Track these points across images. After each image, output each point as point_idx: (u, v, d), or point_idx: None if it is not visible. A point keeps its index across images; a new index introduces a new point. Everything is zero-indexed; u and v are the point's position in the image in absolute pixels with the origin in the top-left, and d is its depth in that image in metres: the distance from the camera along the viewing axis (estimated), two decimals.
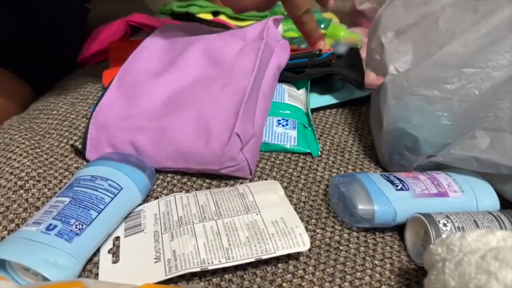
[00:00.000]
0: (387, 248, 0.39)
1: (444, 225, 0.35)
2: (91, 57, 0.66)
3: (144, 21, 0.67)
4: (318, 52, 0.52)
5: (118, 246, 0.36)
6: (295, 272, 0.35)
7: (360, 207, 0.38)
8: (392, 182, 0.40)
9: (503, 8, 0.38)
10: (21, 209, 0.39)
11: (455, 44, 0.39)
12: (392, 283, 0.35)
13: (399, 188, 0.39)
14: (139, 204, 0.40)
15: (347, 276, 0.35)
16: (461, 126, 0.40)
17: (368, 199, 0.38)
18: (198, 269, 0.32)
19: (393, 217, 0.38)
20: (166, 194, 0.42)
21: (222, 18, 0.82)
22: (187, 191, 0.42)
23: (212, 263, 0.32)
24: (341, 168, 0.47)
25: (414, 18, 0.44)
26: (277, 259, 0.36)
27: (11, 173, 0.42)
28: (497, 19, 0.38)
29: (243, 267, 0.35)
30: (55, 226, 0.32)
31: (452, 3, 0.42)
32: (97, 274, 0.34)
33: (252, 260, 0.33)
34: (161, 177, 0.44)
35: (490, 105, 0.39)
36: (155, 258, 0.34)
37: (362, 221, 0.38)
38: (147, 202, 0.41)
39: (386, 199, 0.38)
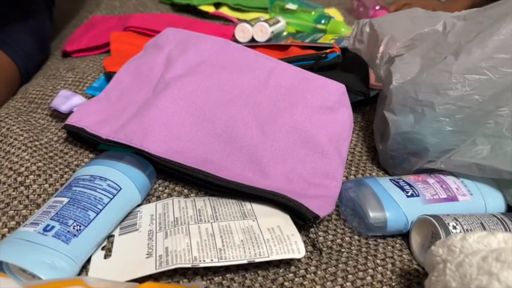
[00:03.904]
0: (389, 247, 0.39)
1: (454, 227, 0.35)
2: (81, 50, 0.65)
3: (145, 26, 0.65)
4: (324, 55, 0.52)
5: (112, 243, 0.36)
6: (297, 272, 0.35)
7: (372, 216, 0.38)
8: (402, 188, 0.40)
9: (506, 18, 0.39)
10: (21, 206, 0.38)
11: (460, 52, 0.40)
12: (393, 284, 0.36)
13: (409, 194, 0.39)
14: (139, 205, 0.39)
15: (349, 276, 0.35)
16: (463, 132, 0.41)
17: (380, 208, 0.38)
18: (189, 265, 0.32)
19: (405, 224, 0.38)
20: (168, 194, 0.42)
21: (224, 10, 0.81)
22: (186, 196, 0.42)
23: (204, 261, 0.32)
24: (344, 170, 0.46)
25: (422, 30, 0.45)
26: (279, 259, 0.35)
27: (10, 168, 0.41)
28: (502, 28, 0.39)
29: (245, 266, 0.35)
30: (53, 227, 0.32)
31: (461, 19, 0.43)
32: (87, 269, 0.34)
33: (245, 261, 0.33)
34: (162, 176, 0.43)
35: (491, 112, 0.40)
36: (147, 254, 0.34)
37: (374, 229, 0.38)
38: (148, 202, 0.40)
39: (397, 206, 0.38)
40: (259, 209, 0.38)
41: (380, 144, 0.47)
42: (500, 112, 0.40)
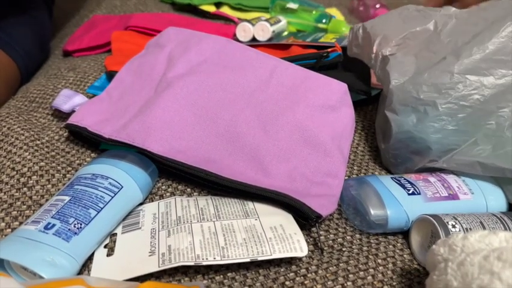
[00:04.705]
0: (390, 246, 0.39)
1: (453, 226, 0.36)
2: (82, 50, 0.65)
3: (146, 25, 0.66)
4: (325, 54, 0.52)
5: (114, 242, 0.36)
6: (298, 271, 0.35)
7: (373, 213, 0.38)
8: (403, 186, 0.40)
9: (505, 20, 0.40)
10: (24, 207, 0.38)
11: (460, 52, 0.41)
12: (394, 283, 0.36)
13: (410, 192, 0.39)
14: (141, 204, 0.39)
15: (350, 275, 0.35)
16: (465, 131, 0.41)
17: (381, 205, 0.38)
18: (192, 263, 0.32)
19: (406, 222, 0.39)
20: (171, 193, 0.42)
21: (225, 10, 0.81)
22: (189, 195, 0.42)
23: (206, 259, 0.32)
24: (346, 169, 0.46)
25: (413, 29, 0.45)
26: (280, 259, 0.36)
27: (13, 169, 0.41)
28: (502, 30, 0.40)
29: (246, 265, 0.35)
30: (53, 225, 0.32)
31: (452, 18, 0.44)
32: (90, 267, 0.34)
33: (248, 260, 0.33)
34: (165, 176, 0.43)
35: (492, 112, 0.40)
36: (149, 252, 0.34)
37: (375, 226, 0.38)
38: (151, 201, 0.40)
39: (398, 204, 0.38)
40: (262, 208, 0.39)
41: (382, 144, 0.47)
42: (501, 113, 0.40)
